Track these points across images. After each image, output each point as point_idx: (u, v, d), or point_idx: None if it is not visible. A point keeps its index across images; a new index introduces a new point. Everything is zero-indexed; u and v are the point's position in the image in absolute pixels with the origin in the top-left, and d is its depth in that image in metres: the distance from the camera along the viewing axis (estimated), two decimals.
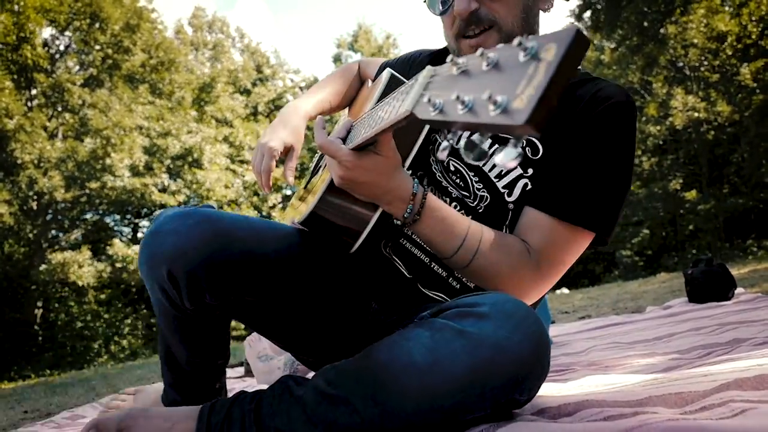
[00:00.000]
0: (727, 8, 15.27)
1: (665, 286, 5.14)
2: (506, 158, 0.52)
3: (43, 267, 14.43)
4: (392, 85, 1.05)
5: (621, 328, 2.54)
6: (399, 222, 1.03)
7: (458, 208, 1.14)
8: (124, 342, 16.87)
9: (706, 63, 15.77)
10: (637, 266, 18.51)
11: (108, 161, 14.63)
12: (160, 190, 16.11)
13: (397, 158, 0.99)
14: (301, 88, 25.33)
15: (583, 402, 1.01)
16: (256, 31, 39.75)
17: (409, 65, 1.37)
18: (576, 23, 15.61)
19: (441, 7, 1.11)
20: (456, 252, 1.03)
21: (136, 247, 15.63)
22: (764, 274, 4.47)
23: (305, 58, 52.84)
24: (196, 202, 16.95)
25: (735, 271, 4.10)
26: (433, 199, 1.02)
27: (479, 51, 0.57)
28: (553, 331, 2.79)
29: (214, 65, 22.43)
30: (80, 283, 14.57)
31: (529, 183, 1.09)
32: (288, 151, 1.31)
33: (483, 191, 1.13)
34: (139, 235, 19.20)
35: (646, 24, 14.80)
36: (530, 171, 1.09)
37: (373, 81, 1.46)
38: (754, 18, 14.57)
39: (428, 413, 0.87)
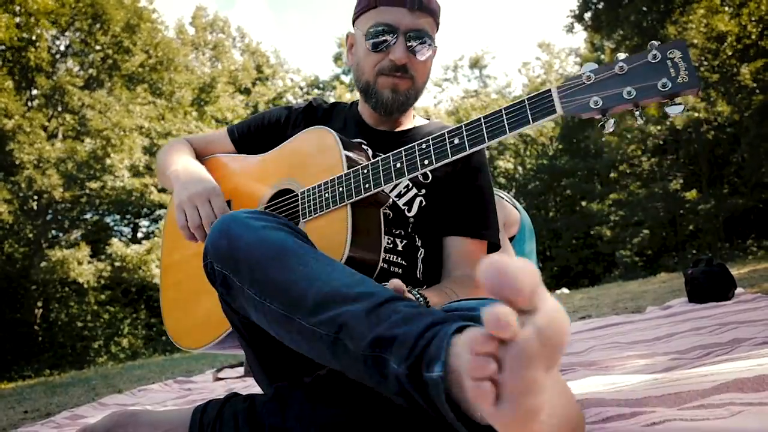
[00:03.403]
0: (726, 8, 15.25)
1: (665, 286, 5.13)
2: (676, 111, 0.95)
3: (43, 264, 14.39)
4: (344, 140, 1.28)
5: (621, 329, 2.53)
6: None
7: None
8: (124, 342, 16.84)
9: (705, 63, 15.75)
10: (637, 266, 18.50)
11: (108, 161, 14.61)
12: (159, 190, 16.09)
13: None
14: (301, 88, 25.33)
15: (582, 402, 1.01)
16: (256, 30, 39.78)
17: (285, 124, 1.52)
18: (577, 24, 15.62)
19: (377, 44, 1.34)
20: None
21: (136, 247, 15.61)
22: (764, 274, 4.47)
23: (306, 58, 52.85)
24: None
25: (735, 271, 4.09)
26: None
27: (596, 68, 0.99)
28: None
29: (215, 65, 22.42)
30: (80, 281, 14.51)
31: (424, 200, 1.35)
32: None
33: (386, 209, 1.34)
34: (139, 234, 19.18)
35: (645, 24, 14.78)
36: (423, 191, 1.36)
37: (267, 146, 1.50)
38: (753, 18, 14.55)
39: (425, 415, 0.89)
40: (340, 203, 1.19)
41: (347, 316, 0.82)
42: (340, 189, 1.20)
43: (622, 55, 0.97)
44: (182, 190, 1.32)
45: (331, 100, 1.68)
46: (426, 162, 1.11)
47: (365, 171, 1.17)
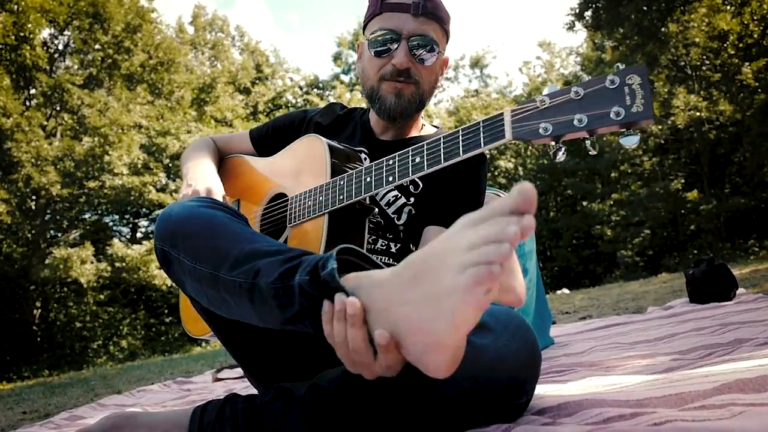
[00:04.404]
0: (728, 7, 15.23)
1: (666, 287, 5.13)
2: (631, 142, 0.89)
3: (46, 261, 14.38)
4: (335, 149, 1.31)
5: (622, 329, 2.52)
6: None
7: None
8: (123, 342, 16.82)
9: (707, 62, 15.75)
10: (638, 266, 18.48)
11: (106, 158, 14.56)
12: (158, 190, 16.07)
13: None
14: (300, 87, 25.32)
15: (582, 402, 1.00)
16: (255, 29, 39.77)
17: (298, 127, 1.56)
18: (577, 22, 15.61)
19: (379, 49, 1.34)
20: None
21: (136, 247, 15.61)
22: (766, 275, 4.46)
23: (305, 57, 52.90)
24: None
25: (736, 272, 4.08)
26: None
27: (554, 91, 0.93)
28: (554, 331, 2.77)
29: (214, 64, 22.41)
30: (82, 281, 14.48)
31: (413, 209, 1.38)
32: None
33: (377, 217, 1.38)
34: (138, 234, 19.18)
35: (646, 23, 14.76)
36: (412, 200, 1.38)
37: (258, 151, 1.59)
38: (755, 17, 14.53)
39: (431, 420, 0.90)
40: (319, 212, 1.24)
41: (263, 263, 0.91)
42: (320, 198, 1.24)
43: (586, 78, 0.93)
44: (186, 187, 1.39)
45: (331, 99, 1.69)
46: (390, 178, 1.12)
47: (341, 183, 1.20)
